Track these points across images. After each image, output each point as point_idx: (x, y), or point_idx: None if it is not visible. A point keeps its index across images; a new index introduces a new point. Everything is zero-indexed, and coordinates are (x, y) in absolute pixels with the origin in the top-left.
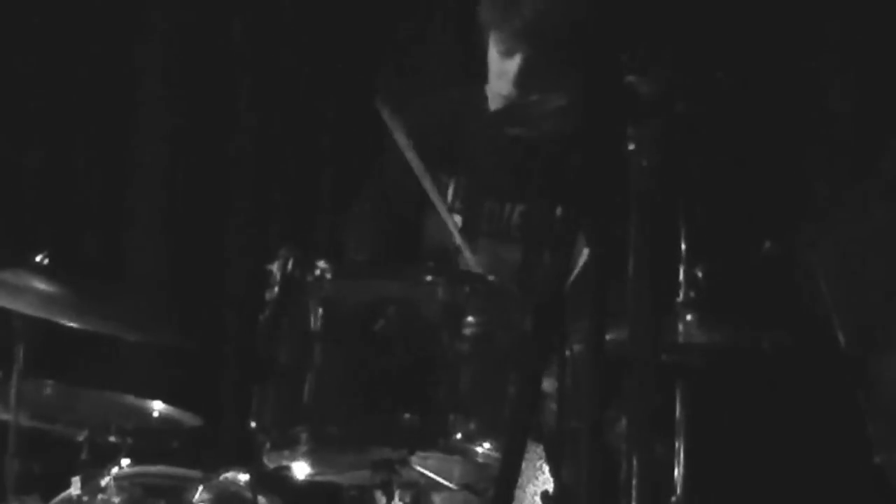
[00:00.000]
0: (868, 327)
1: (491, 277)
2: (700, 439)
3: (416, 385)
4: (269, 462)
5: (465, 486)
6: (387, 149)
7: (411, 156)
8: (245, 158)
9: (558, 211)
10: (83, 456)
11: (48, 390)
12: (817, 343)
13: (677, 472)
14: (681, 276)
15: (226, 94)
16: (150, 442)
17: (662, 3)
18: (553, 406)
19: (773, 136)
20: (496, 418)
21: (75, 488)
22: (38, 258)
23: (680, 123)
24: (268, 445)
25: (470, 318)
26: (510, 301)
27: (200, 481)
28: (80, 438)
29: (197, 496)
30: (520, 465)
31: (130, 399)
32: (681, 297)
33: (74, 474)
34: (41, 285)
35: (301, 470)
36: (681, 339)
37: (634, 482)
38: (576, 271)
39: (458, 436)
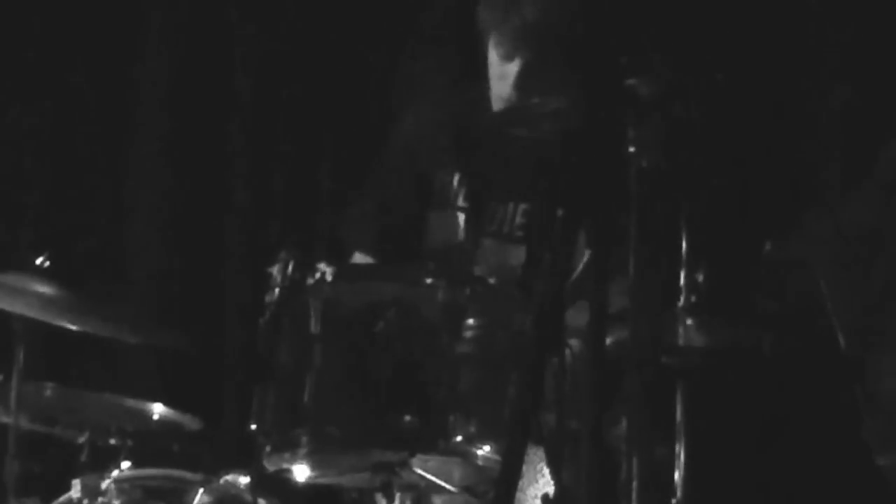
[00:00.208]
0: (868, 327)
1: (493, 279)
2: (701, 441)
3: (417, 387)
4: (270, 464)
5: (466, 489)
6: (387, 149)
7: None
8: (245, 159)
9: (559, 212)
10: (83, 458)
11: (48, 392)
12: (817, 344)
13: (677, 474)
14: (681, 281)
15: (225, 95)
16: (151, 444)
17: (662, 5)
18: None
19: (772, 137)
20: (496, 420)
21: (75, 491)
22: (38, 261)
23: (680, 125)
24: (268, 448)
25: (470, 320)
26: (511, 303)
27: (201, 484)
28: (81, 441)
29: (197, 499)
30: (520, 468)
31: (130, 401)
32: (681, 302)
33: (75, 477)
34: (42, 288)
35: (301, 472)
36: (681, 343)
37: (634, 483)
38: (576, 272)
39: (459, 438)
